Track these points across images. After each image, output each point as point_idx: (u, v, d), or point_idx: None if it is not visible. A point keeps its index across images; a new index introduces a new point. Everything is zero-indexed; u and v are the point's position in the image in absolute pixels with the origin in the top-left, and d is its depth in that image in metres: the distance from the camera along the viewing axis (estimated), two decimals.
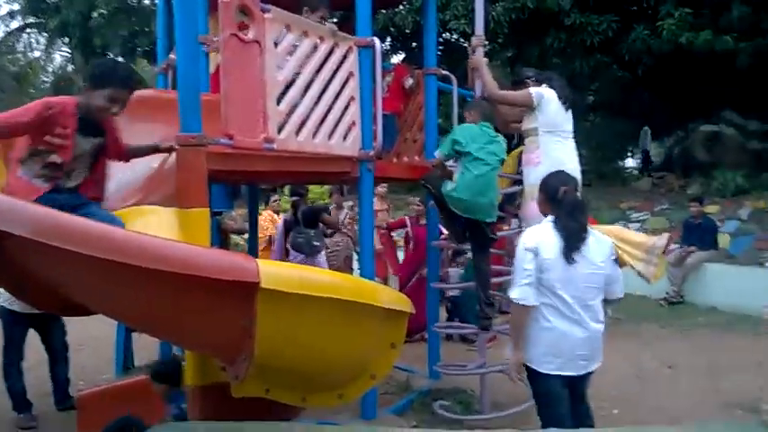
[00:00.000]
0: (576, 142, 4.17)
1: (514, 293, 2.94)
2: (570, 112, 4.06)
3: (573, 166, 3.89)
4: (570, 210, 3.00)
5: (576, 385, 3.06)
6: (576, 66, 11.50)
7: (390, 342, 2.75)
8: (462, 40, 12.73)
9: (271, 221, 7.90)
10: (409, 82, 4.99)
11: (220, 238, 5.95)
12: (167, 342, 4.56)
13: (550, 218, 3.05)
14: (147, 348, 5.91)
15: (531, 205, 3.91)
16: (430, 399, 4.66)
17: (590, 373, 3.08)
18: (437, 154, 4.14)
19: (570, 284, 2.92)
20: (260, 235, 7.56)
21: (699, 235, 8.51)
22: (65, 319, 4.79)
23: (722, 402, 4.72)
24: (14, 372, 4.50)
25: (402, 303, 2.76)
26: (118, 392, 3.72)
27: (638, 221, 10.74)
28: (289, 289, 2.22)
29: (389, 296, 2.72)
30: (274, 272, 2.24)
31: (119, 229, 2.20)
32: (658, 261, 4.34)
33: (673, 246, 9.34)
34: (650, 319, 7.67)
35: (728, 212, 9.82)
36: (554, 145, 3.96)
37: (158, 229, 2.56)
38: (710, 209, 9.70)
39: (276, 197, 8.52)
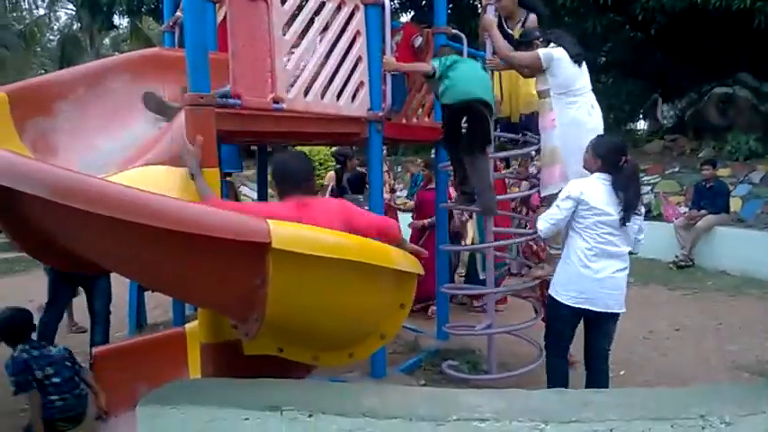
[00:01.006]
0: None
1: (541, 225, 3.50)
2: (584, 66, 3.97)
3: (592, 125, 3.87)
4: (632, 178, 3.39)
5: (601, 321, 3.49)
6: (589, 25, 11.27)
7: (400, 302, 2.76)
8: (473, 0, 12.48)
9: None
10: (418, 41, 4.89)
11: (231, 198, 5.97)
12: (179, 300, 4.62)
13: (603, 175, 3.39)
14: (160, 306, 6.01)
15: (552, 171, 3.96)
16: (438, 359, 4.73)
17: (615, 315, 3.50)
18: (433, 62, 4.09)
19: (621, 236, 3.38)
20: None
21: (710, 198, 8.45)
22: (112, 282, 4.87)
23: (730, 364, 4.76)
24: (49, 333, 4.56)
25: (412, 264, 2.76)
26: (133, 349, 3.78)
27: (649, 185, 10.67)
28: (300, 249, 2.22)
29: (399, 257, 2.72)
30: (285, 232, 2.24)
31: (130, 189, 2.20)
32: None
33: (683, 209, 9.31)
34: (659, 281, 7.70)
35: (740, 176, 9.74)
36: (568, 106, 3.90)
37: (168, 189, 2.56)
38: (722, 172, 9.62)
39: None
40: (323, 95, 3.52)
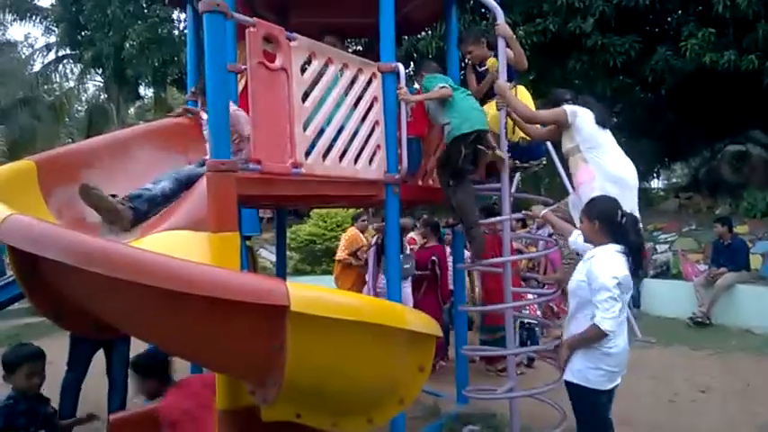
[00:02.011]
0: None
1: (608, 325, 2.97)
2: (608, 131, 3.97)
3: (628, 172, 3.86)
4: (635, 228, 3.22)
5: (613, 396, 3.22)
6: (599, 88, 11.47)
7: (419, 365, 2.74)
8: (483, 64, 12.78)
9: (353, 241, 7.68)
10: None
11: (249, 261, 6.01)
12: (197, 365, 4.60)
13: (615, 246, 3.13)
14: (180, 371, 5.98)
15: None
16: (459, 423, 4.62)
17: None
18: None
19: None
20: (341, 255, 7.65)
21: (729, 256, 8.37)
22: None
23: (758, 427, 4.60)
24: (70, 393, 4.59)
25: (430, 326, 2.76)
26: (150, 416, 3.74)
27: (666, 242, 10.60)
28: (318, 312, 2.24)
29: (417, 319, 2.72)
30: (304, 295, 2.26)
31: (149, 253, 2.25)
32: None
33: (702, 267, 9.20)
34: (682, 341, 7.53)
35: (758, 233, 9.65)
36: (601, 158, 3.82)
37: (189, 253, 2.61)
38: (740, 229, 9.56)
39: (364, 216, 8.21)
40: (341, 159, 3.60)
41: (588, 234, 3.27)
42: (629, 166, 3.90)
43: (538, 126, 4.27)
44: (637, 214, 3.49)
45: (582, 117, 3.89)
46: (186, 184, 3.31)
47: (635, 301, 9.22)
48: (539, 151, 4.71)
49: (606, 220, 3.19)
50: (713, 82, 10.91)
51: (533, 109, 4.27)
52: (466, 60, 4.84)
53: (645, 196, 13.46)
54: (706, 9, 10.02)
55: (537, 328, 6.62)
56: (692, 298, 8.55)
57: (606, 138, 3.91)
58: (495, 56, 4.41)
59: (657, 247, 10.63)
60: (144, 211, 3.12)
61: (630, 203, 3.64)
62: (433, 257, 6.63)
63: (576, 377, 3.15)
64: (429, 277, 6.62)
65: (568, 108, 3.93)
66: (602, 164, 3.80)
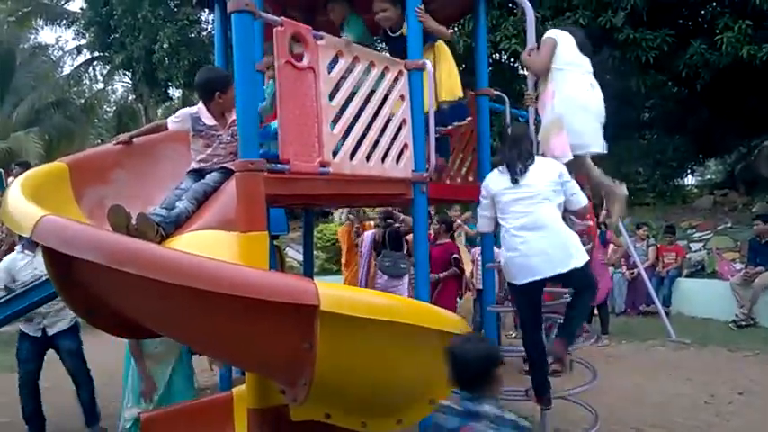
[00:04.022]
0: (633, 160, 4.12)
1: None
2: (587, 60, 4.10)
3: (583, 101, 3.96)
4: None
5: None
6: (633, 83, 11.27)
7: None
8: (513, 60, 12.66)
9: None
10: None
11: (277, 260, 6.03)
12: (228, 364, 4.63)
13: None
14: (207, 369, 6.04)
15: (553, 141, 3.95)
16: None
17: None
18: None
19: None
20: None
21: (766, 255, 8.14)
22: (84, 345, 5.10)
23: None
24: (26, 393, 4.81)
25: (460, 326, 2.73)
26: (181, 414, 3.78)
27: (701, 241, 10.36)
28: (348, 312, 2.22)
29: (447, 319, 2.69)
30: (334, 294, 2.25)
31: (181, 253, 2.26)
32: None
33: (738, 265, 8.98)
34: (718, 342, 7.36)
35: None
36: (565, 82, 3.98)
37: (219, 253, 2.61)
38: None
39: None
40: (368, 158, 3.58)
41: None
42: (595, 92, 4.05)
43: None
44: (596, 140, 3.93)
45: (561, 39, 4.07)
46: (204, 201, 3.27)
47: (665, 300, 9.05)
48: (463, 112, 4.48)
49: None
50: (749, 76, 10.63)
51: (453, 68, 4.29)
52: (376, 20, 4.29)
53: (678, 193, 13.20)
54: (742, 1, 9.77)
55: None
56: (727, 298, 8.35)
57: (582, 61, 4.07)
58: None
59: (692, 245, 10.40)
60: (171, 233, 3.06)
61: (588, 126, 3.93)
62: (455, 255, 6.71)
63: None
64: (450, 274, 6.70)
65: (552, 33, 4.12)
66: (564, 83, 3.96)
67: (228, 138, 3.36)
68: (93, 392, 5.07)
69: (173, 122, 3.52)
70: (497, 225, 3.76)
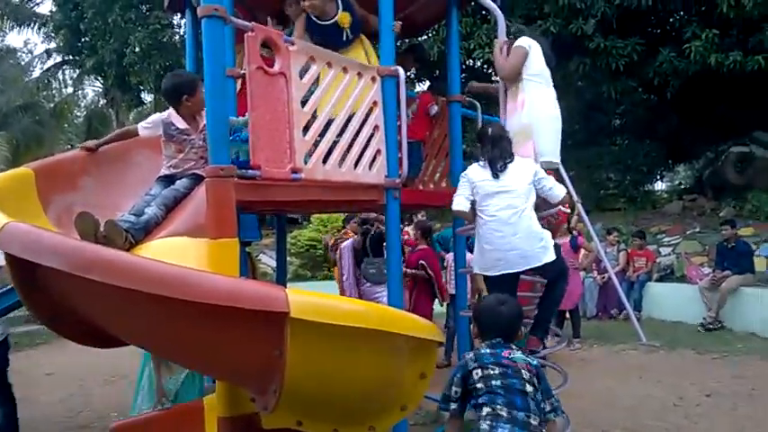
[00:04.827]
0: (605, 165, 4.21)
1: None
2: (549, 70, 4.23)
3: (552, 113, 4.13)
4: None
5: None
6: (604, 90, 11.43)
7: (420, 372, 2.71)
8: (486, 67, 12.77)
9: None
10: (434, 109, 5.00)
11: (249, 268, 5.97)
12: (197, 372, 4.57)
13: None
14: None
15: (521, 150, 4.03)
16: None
17: None
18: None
19: None
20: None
21: (733, 259, 8.33)
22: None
23: (765, 431, 4.55)
24: None
25: (432, 332, 2.73)
26: (150, 422, 3.71)
27: (670, 245, 10.54)
28: (319, 318, 2.21)
29: (419, 325, 2.69)
30: (304, 301, 2.23)
31: (146, 260, 2.22)
32: None
33: (706, 270, 9.15)
34: (686, 345, 7.48)
35: (763, 235, 9.60)
36: (536, 93, 4.10)
37: (188, 259, 2.58)
38: (744, 231, 9.52)
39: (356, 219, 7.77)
40: (341, 164, 3.57)
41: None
42: (555, 105, 4.19)
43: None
44: (556, 153, 4.08)
45: (533, 49, 4.17)
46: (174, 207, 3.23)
47: (636, 304, 9.19)
48: None
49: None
50: (717, 83, 10.88)
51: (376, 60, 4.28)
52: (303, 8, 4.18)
53: (648, 199, 13.41)
54: (709, 10, 10.00)
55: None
56: (696, 301, 8.50)
57: (548, 74, 4.22)
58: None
59: (661, 249, 10.57)
60: (140, 239, 3.00)
61: (552, 138, 4.08)
62: (421, 261, 6.70)
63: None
64: (420, 280, 6.71)
65: (524, 42, 4.18)
66: (535, 94, 4.09)
67: (201, 142, 3.33)
68: (14, 414, 4.72)
69: (143, 128, 3.47)
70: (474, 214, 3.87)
